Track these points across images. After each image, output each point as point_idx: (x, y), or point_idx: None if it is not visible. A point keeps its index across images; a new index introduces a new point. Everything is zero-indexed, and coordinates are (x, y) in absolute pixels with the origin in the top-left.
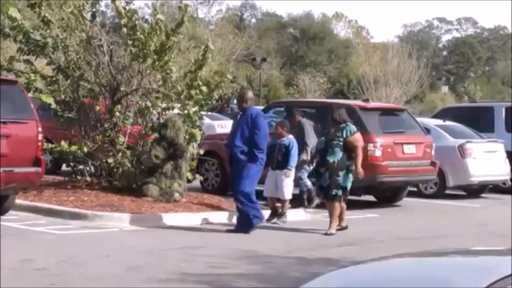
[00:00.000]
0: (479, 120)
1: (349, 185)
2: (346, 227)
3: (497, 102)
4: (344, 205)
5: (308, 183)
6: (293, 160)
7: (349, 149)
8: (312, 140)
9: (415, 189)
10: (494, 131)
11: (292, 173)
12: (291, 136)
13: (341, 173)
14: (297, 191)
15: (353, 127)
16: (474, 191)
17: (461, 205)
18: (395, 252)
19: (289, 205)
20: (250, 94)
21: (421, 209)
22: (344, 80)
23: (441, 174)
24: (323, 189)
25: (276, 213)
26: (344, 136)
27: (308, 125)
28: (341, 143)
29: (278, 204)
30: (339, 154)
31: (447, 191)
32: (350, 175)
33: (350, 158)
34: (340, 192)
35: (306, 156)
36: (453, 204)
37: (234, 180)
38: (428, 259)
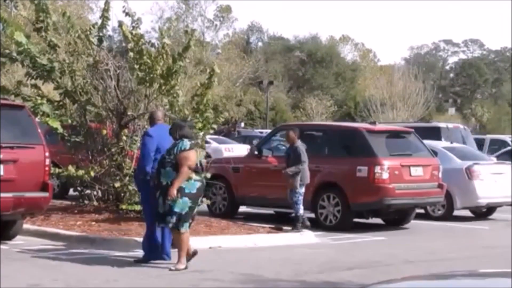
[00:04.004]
0: None
1: (184, 210)
2: (195, 253)
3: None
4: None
5: (300, 208)
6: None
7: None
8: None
9: (423, 211)
10: None
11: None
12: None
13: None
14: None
15: (186, 143)
16: (482, 213)
17: (469, 227)
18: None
19: None
20: (158, 113)
21: (428, 232)
22: (351, 103)
23: (449, 196)
24: (159, 216)
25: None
26: (175, 152)
27: (303, 148)
28: (173, 161)
29: None
30: (172, 175)
31: (455, 213)
32: (186, 199)
33: (189, 178)
34: (173, 220)
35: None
36: (461, 226)
37: None
38: (435, 282)
